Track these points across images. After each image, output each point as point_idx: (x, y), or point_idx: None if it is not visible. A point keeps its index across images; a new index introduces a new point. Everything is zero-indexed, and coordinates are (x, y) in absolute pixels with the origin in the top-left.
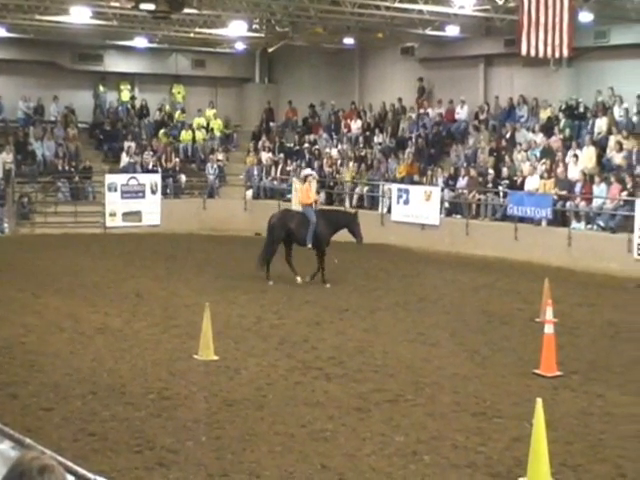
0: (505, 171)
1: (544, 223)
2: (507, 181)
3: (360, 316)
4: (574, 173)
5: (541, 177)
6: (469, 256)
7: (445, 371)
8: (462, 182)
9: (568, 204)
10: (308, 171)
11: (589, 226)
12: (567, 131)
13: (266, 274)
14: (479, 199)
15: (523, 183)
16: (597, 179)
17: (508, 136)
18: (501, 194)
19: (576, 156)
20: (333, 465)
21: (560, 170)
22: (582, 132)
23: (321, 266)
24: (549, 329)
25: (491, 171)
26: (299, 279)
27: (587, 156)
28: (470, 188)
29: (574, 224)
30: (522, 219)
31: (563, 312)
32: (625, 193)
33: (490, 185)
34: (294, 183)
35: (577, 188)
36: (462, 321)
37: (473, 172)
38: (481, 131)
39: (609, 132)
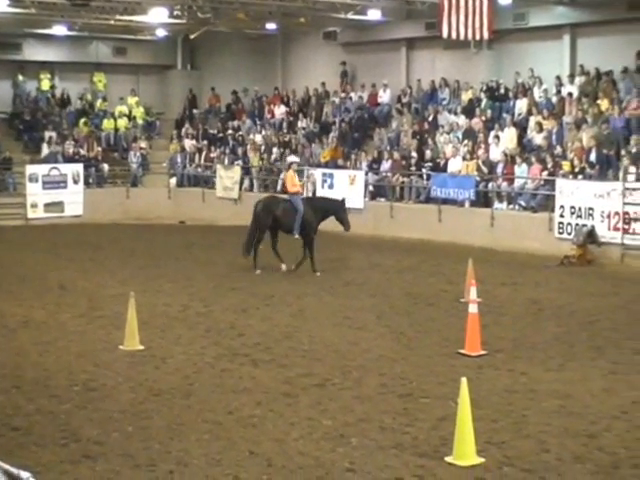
0: (428, 153)
1: (467, 204)
2: (430, 163)
3: (286, 302)
4: (496, 154)
5: (464, 159)
6: (394, 239)
7: (371, 354)
8: (386, 165)
9: (490, 185)
10: (292, 158)
11: (511, 206)
12: (488, 112)
13: (253, 262)
14: (403, 182)
15: (446, 165)
16: (518, 159)
17: (430, 119)
18: (424, 176)
19: (497, 137)
20: (261, 451)
21: (482, 151)
22: (503, 113)
23: (310, 255)
24: (473, 309)
25: (414, 154)
26: (284, 267)
27: (508, 137)
28: (394, 171)
29: (496, 204)
30: (445, 201)
31: (487, 292)
32: (545, 173)
33: (413, 168)
34: (218, 170)
35: (499, 169)
36: (388, 303)
37: (396, 155)
38: (404, 114)
39: (529, 113)
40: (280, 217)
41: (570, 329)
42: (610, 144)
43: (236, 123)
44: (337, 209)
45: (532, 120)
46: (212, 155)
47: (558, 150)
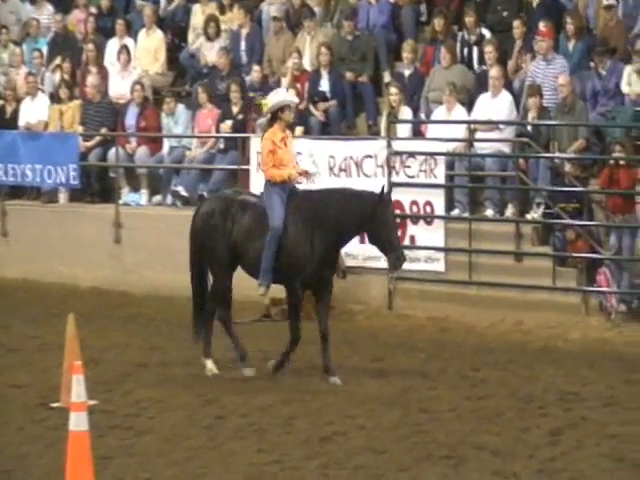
0: None
1: (63, 197)
2: None
3: None
4: (123, 88)
5: (54, 99)
6: None
7: None
8: None
9: (113, 152)
10: (281, 95)
11: (158, 197)
12: None
13: (204, 347)
14: None
15: (16, 114)
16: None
17: None
18: None
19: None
20: None
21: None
22: None
23: (291, 328)
24: (79, 423)
25: None
26: (248, 371)
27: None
28: None
29: (128, 195)
30: (17, 191)
31: (109, 384)
32: (228, 125)
33: None
34: None
35: (130, 119)
36: None
37: None
38: None
39: None
40: (239, 241)
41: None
42: (361, 62)
43: None
44: (371, 215)
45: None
46: None
47: (253, 74)
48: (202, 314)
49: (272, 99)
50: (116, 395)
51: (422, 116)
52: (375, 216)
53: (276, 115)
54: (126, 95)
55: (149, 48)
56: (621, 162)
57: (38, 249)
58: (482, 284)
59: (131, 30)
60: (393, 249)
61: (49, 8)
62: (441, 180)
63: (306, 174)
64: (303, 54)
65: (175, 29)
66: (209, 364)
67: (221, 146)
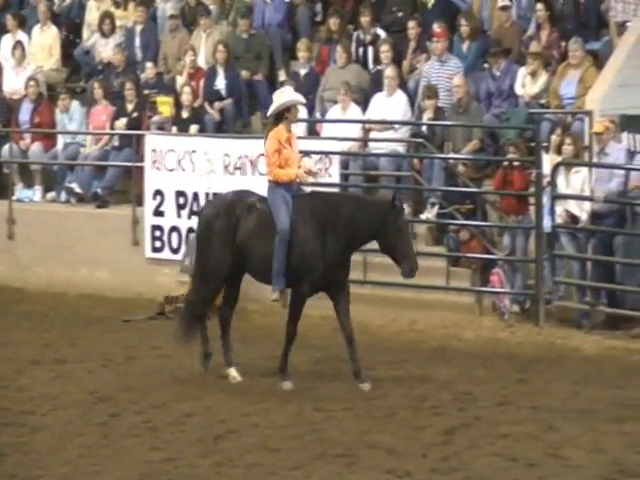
0: None
1: None
2: None
3: None
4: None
5: None
6: None
7: None
8: None
9: (6, 148)
10: (288, 94)
11: (52, 194)
12: None
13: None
14: None
15: None
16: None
17: None
18: None
19: None
20: None
21: None
22: None
23: (290, 327)
24: None
25: None
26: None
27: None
28: None
29: (23, 191)
30: None
31: (2, 378)
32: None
33: None
34: None
35: (24, 115)
36: None
37: None
38: None
39: None
40: (246, 244)
41: None
42: (257, 60)
43: None
44: (383, 223)
45: None
46: None
47: (147, 71)
48: (198, 319)
49: (278, 99)
50: (10, 392)
51: (317, 115)
52: (387, 223)
53: (282, 114)
54: (20, 91)
55: (44, 44)
56: (515, 163)
57: None
58: (376, 283)
59: (25, 26)
60: (406, 258)
61: None
62: (336, 179)
63: (311, 173)
64: (198, 52)
65: (70, 25)
66: (234, 374)
67: (115, 143)
